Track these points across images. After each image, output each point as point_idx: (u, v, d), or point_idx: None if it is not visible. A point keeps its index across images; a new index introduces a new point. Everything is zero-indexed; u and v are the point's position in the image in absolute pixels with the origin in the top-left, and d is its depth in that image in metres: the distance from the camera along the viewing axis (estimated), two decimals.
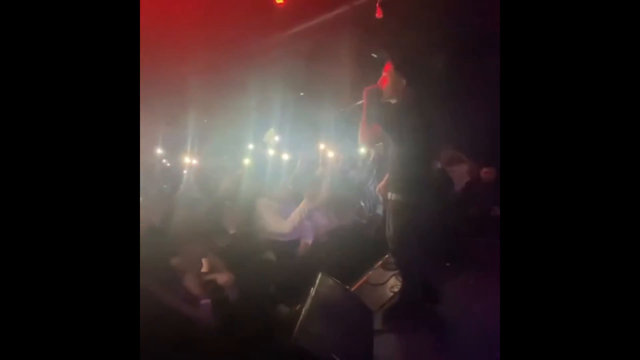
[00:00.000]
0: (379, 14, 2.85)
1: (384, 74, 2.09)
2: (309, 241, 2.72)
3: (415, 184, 1.97)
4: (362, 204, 3.86)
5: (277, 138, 4.03)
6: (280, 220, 2.67)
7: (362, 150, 4.07)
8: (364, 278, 2.75)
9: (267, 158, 3.63)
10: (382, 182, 2.43)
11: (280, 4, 2.93)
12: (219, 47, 3.74)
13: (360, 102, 2.13)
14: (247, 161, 3.87)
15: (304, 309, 1.65)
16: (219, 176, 3.22)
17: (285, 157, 3.64)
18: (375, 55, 4.31)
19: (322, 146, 4.13)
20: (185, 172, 3.58)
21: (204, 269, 2.13)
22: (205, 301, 1.89)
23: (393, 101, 2.05)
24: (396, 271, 2.83)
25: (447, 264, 2.88)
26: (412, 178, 1.96)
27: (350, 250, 2.84)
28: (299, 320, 1.57)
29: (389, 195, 2.04)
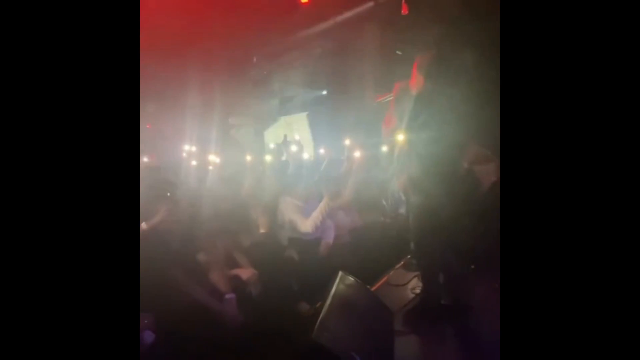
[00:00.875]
0: (404, 11, 2.79)
1: (414, 71, 2.08)
2: (331, 240, 2.73)
3: (438, 185, 1.91)
4: (384, 203, 3.81)
5: (297, 136, 4.06)
6: (302, 219, 2.70)
7: (385, 148, 4.02)
8: (385, 278, 2.72)
9: (290, 156, 3.67)
10: (401, 180, 2.37)
11: (305, 3, 2.94)
12: (244, 46, 3.79)
13: (391, 96, 2.15)
14: (270, 159, 3.93)
15: (324, 307, 1.66)
16: (243, 174, 3.29)
17: (307, 155, 3.66)
18: (399, 52, 4.24)
19: (346, 145, 4.13)
20: (210, 169, 3.68)
21: (229, 265, 2.20)
22: (230, 296, 1.95)
23: (419, 96, 2.03)
24: (417, 273, 2.79)
25: (472, 267, 2.81)
26: (435, 178, 1.92)
27: (372, 250, 2.83)
28: (319, 318, 1.58)
29: (410, 196, 2.02)
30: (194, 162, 3.78)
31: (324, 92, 5.14)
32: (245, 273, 2.16)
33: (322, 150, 4.67)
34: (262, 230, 2.46)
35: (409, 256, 3.06)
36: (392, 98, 2.12)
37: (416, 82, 2.05)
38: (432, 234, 1.98)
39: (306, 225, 2.66)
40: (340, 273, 1.94)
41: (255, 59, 3.98)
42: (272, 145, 4.32)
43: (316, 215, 2.69)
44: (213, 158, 3.61)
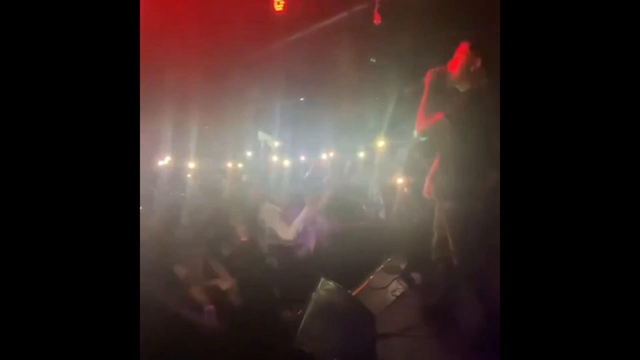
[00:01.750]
0: (377, 20, 2.87)
1: (456, 54, 1.75)
2: (311, 246, 2.75)
3: (475, 191, 1.62)
4: (364, 208, 3.87)
5: (276, 143, 4.07)
6: (284, 226, 2.70)
7: (362, 154, 4.09)
8: (366, 282, 2.76)
9: (269, 163, 3.67)
10: (427, 185, 2.05)
11: (279, 11, 2.97)
12: (220, 54, 3.78)
13: (421, 83, 1.81)
14: (249, 167, 3.91)
15: (305, 313, 1.67)
16: (222, 182, 3.25)
17: (288, 162, 3.67)
18: (373, 61, 4.35)
19: (325, 151, 4.17)
20: (189, 178, 3.62)
21: (207, 275, 2.16)
22: (209, 307, 1.92)
23: (462, 88, 1.74)
24: (397, 275, 2.84)
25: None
26: (473, 184, 1.63)
27: (353, 255, 2.85)
28: (301, 325, 1.59)
29: (442, 203, 1.75)
30: (171, 171, 3.71)
31: (302, 99, 5.19)
32: (225, 283, 2.13)
33: (302, 157, 4.70)
34: (243, 239, 2.44)
35: (389, 259, 3.11)
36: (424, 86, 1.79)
37: (458, 67, 1.73)
38: (474, 243, 1.69)
39: (287, 233, 2.66)
40: (321, 279, 1.96)
41: (232, 67, 3.98)
42: (251, 153, 4.31)
43: (297, 223, 2.70)
44: (192, 166, 3.55)
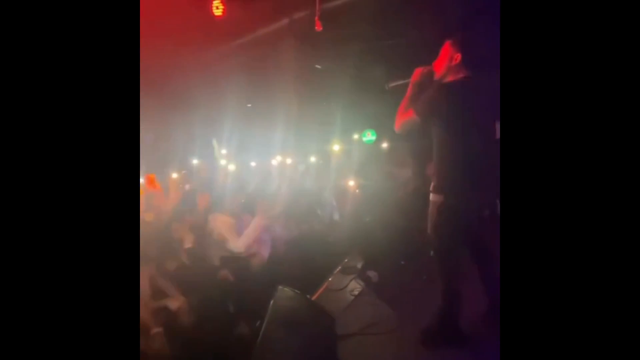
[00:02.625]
0: (318, 27, 2.93)
1: (441, 52, 1.79)
2: (266, 254, 2.67)
3: (462, 183, 1.66)
4: (319, 212, 3.89)
5: (223, 151, 3.93)
6: (234, 237, 2.59)
7: (313, 159, 4.13)
8: (324, 285, 2.76)
9: (217, 172, 3.53)
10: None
11: (219, 16, 2.90)
12: (160, 60, 3.58)
13: (407, 81, 1.82)
14: (195, 175, 3.72)
15: (263, 325, 1.61)
16: (167, 194, 3.05)
17: (238, 170, 3.56)
18: (319, 67, 4.44)
19: (276, 157, 4.12)
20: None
21: (154, 296, 1.99)
22: (157, 330, 1.77)
23: (446, 83, 1.75)
24: (354, 275, 2.88)
25: (402, 262, 3.00)
26: (459, 176, 1.66)
27: (310, 259, 2.84)
28: (259, 337, 1.53)
29: (431, 196, 1.75)
30: None
31: (249, 105, 5.09)
32: (174, 302, 1.98)
33: (253, 164, 4.59)
34: (188, 245, 2.28)
35: (345, 260, 3.15)
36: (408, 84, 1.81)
37: (441, 63, 1.77)
38: (456, 238, 1.73)
39: (238, 244, 2.56)
40: (279, 287, 1.91)
41: (172, 73, 3.78)
42: (197, 162, 4.11)
43: (249, 232, 2.60)
44: None
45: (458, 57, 1.71)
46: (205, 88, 4.03)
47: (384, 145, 4.55)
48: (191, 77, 3.78)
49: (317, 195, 3.94)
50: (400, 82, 1.89)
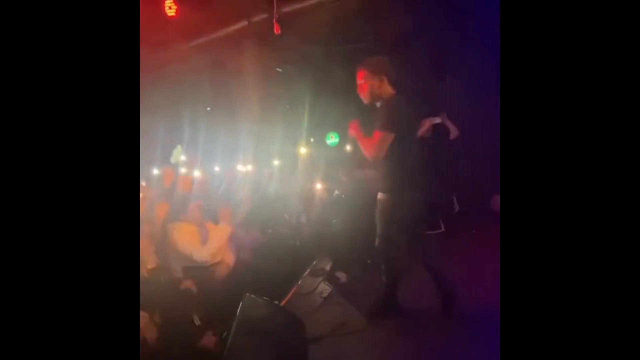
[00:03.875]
0: (277, 30, 2.93)
1: (359, 81, 2.09)
2: (231, 262, 2.59)
3: (405, 185, 2.01)
4: (287, 216, 3.86)
5: (183, 157, 3.77)
6: (197, 246, 2.48)
7: (277, 162, 4.10)
8: (294, 289, 2.73)
9: (179, 178, 3.36)
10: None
11: (172, 16, 2.79)
12: None
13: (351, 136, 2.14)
14: (155, 182, 3.52)
15: (230, 335, 1.56)
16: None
17: (198, 175, 3.42)
18: (280, 70, 4.43)
19: (239, 162, 4.01)
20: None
21: None
22: None
23: (377, 104, 2.07)
24: (323, 277, 2.89)
25: (369, 261, 3.06)
26: (399, 177, 2.01)
27: (278, 264, 2.80)
28: (227, 348, 1.48)
29: (378, 195, 2.09)
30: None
31: (209, 109, 4.94)
32: None
33: (216, 169, 4.45)
34: (149, 266, 2.15)
35: (314, 263, 3.15)
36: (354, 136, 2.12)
37: (366, 91, 2.05)
38: (395, 229, 2.05)
39: (202, 253, 2.45)
40: (246, 295, 1.86)
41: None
42: (155, 169, 3.89)
43: (213, 240, 2.51)
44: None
45: (381, 81, 2.02)
46: (162, 91, 3.85)
47: (348, 147, 4.64)
48: (146, 79, 3.59)
49: (283, 199, 3.90)
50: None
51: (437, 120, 3.43)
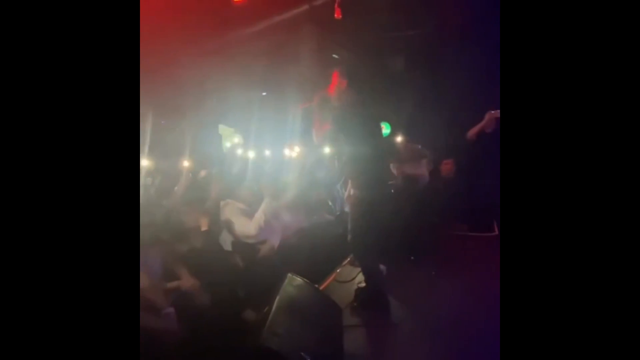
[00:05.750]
0: (337, 15, 2.88)
1: (332, 79, 2.23)
2: (276, 242, 2.69)
3: (369, 181, 2.14)
4: (330, 203, 3.89)
5: (236, 140, 3.93)
6: (245, 221, 2.62)
7: (328, 150, 4.11)
8: (332, 276, 2.77)
9: (230, 159, 3.54)
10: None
11: (238, 2, 2.87)
12: (176, 45, 3.58)
13: (311, 104, 2.32)
14: (209, 162, 3.75)
15: (271, 310, 1.63)
16: (180, 179, 3.08)
17: (251, 157, 3.57)
18: (336, 56, 4.37)
19: (288, 146, 4.10)
20: (142, 176, 3.39)
21: (167, 277, 2.03)
22: (168, 310, 1.81)
23: (337, 104, 2.21)
24: None
25: (412, 258, 3.00)
26: (367, 175, 2.15)
27: (319, 249, 2.85)
28: (267, 322, 1.55)
29: (350, 191, 2.26)
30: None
31: (264, 94, 5.07)
32: (186, 284, 2.01)
33: (267, 152, 4.60)
34: (204, 229, 2.32)
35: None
36: (313, 106, 2.29)
37: (337, 91, 2.21)
38: (364, 225, 2.17)
39: (249, 228, 2.58)
40: (288, 275, 1.92)
41: (189, 58, 3.78)
42: (211, 148, 4.13)
43: (258, 216, 2.62)
44: (144, 163, 3.33)
45: (344, 83, 2.18)
46: (221, 75, 4.03)
47: (399, 139, 4.50)
48: (209, 63, 3.78)
49: (329, 186, 3.93)
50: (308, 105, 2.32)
51: (497, 114, 3.23)
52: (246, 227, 2.58)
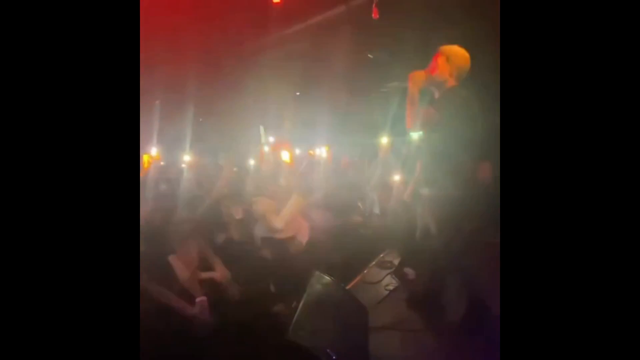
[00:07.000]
0: (375, 15, 2.86)
1: (433, 62, 2.03)
2: (304, 240, 2.74)
3: (454, 177, 1.89)
4: (359, 204, 3.88)
5: (271, 138, 4.03)
6: (274, 216, 2.68)
7: (359, 150, 4.10)
8: (359, 277, 2.77)
9: (264, 157, 3.65)
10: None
11: (277, 3, 2.94)
12: (215, 45, 3.74)
13: (403, 85, 2.03)
14: (244, 160, 3.88)
15: (299, 306, 1.67)
16: (217, 174, 3.23)
17: (284, 156, 3.65)
18: (371, 56, 4.34)
19: (319, 146, 4.15)
20: (183, 170, 3.59)
21: (201, 267, 2.14)
22: (202, 299, 1.91)
23: (440, 89, 2.01)
24: (391, 270, 2.86)
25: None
26: (452, 170, 1.89)
27: (347, 249, 2.86)
28: (295, 317, 1.59)
29: (423, 190, 2.07)
30: (162, 163, 3.68)
31: (297, 93, 5.15)
32: (219, 275, 2.11)
33: (297, 151, 4.67)
34: (238, 216, 2.41)
35: (382, 255, 3.13)
36: (409, 87, 1.98)
37: (437, 72, 1.98)
38: (452, 228, 1.98)
39: (277, 221, 2.64)
40: (316, 272, 1.95)
41: (228, 58, 3.93)
42: (247, 145, 4.27)
43: (286, 211, 2.68)
44: (186, 158, 3.52)
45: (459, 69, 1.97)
46: (258, 74, 4.14)
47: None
48: (247, 63, 3.91)
49: (359, 187, 3.92)
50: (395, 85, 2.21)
51: None
52: (274, 220, 2.64)
